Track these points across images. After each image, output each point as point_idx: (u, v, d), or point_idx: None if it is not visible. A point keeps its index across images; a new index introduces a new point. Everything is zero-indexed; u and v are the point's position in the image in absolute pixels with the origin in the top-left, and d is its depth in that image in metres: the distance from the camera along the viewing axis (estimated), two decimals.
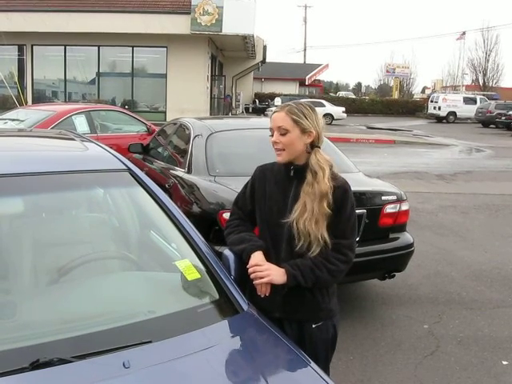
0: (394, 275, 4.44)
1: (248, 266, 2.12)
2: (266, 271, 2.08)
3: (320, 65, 48.56)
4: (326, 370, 2.20)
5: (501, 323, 4.29)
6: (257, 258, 2.13)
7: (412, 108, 42.47)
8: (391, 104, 42.65)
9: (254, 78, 38.88)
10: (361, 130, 25.55)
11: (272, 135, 2.16)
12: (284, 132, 2.11)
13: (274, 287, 2.11)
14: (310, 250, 2.09)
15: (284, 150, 2.12)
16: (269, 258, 2.16)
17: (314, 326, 2.21)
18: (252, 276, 2.10)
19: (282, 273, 2.09)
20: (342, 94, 53.69)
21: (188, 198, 4.32)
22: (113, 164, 2.40)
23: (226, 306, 1.99)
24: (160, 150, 5.93)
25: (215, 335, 1.82)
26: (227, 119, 9.83)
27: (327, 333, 2.24)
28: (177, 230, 2.23)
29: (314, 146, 2.15)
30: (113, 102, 21.44)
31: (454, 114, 35.32)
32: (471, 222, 7.75)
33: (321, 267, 2.09)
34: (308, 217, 2.06)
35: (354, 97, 49.14)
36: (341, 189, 2.11)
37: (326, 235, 2.08)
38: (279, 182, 2.21)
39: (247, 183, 2.33)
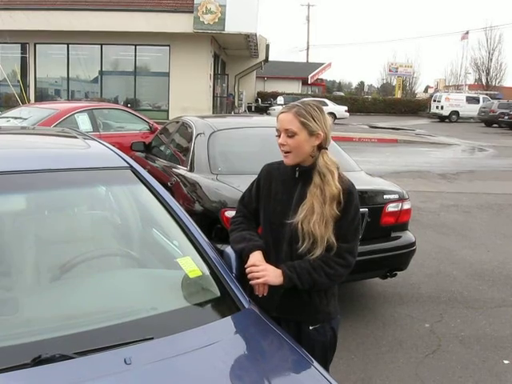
0: (396, 274, 4.44)
1: (245, 266, 2.12)
2: (262, 272, 2.07)
3: (323, 64, 48.51)
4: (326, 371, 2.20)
5: (502, 322, 4.29)
6: (255, 258, 2.13)
7: (414, 107, 42.40)
8: (394, 103, 42.58)
9: (257, 77, 38.85)
10: (363, 129, 25.52)
11: (278, 136, 2.12)
12: (292, 135, 2.07)
13: (271, 287, 2.10)
14: (311, 252, 2.07)
15: (291, 152, 2.09)
16: (269, 258, 2.15)
17: (311, 328, 2.19)
18: (249, 276, 2.10)
19: (279, 274, 2.08)
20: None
21: (190, 196, 4.32)
22: (115, 162, 2.40)
23: (227, 304, 1.99)
24: (162, 148, 5.94)
25: (217, 332, 1.82)
26: (229, 118, 9.84)
27: (324, 336, 2.21)
28: (178, 227, 2.23)
29: (321, 147, 2.12)
30: (115, 101, 21.46)
31: (456, 113, 35.27)
32: (473, 221, 7.74)
33: (319, 270, 2.07)
34: (317, 219, 2.03)
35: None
36: (345, 191, 2.07)
37: (333, 238, 2.05)
38: (285, 181, 2.19)
39: (254, 181, 2.32)
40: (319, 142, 2.10)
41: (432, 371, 3.49)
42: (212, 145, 4.54)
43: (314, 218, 2.04)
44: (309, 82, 46.30)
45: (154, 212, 2.41)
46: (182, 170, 4.67)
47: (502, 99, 35.56)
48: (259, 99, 37.07)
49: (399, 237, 4.35)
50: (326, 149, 2.13)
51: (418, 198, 8.67)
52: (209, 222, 3.83)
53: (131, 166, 2.40)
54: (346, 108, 30.98)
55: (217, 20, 20.11)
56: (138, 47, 22.16)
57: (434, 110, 36.51)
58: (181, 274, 2.03)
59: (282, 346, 1.89)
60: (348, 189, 2.09)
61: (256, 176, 2.32)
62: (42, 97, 21.90)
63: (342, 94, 51.50)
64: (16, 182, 2.08)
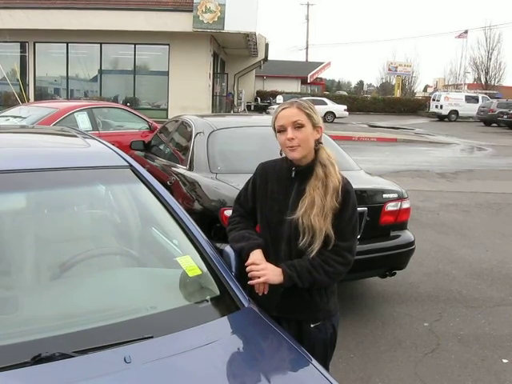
0: (395, 273, 4.45)
1: (246, 265, 2.12)
2: (262, 271, 2.07)
3: (322, 63, 48.53)
4: (326, 369, 2.20)
5: (501, 321, 4.29)
6: (255, 256, 2.12)
7: (414, 106, 42.42)
8: (393, 102, 42.59)
9: (256, 76, 38.85)
10: (362, 128, 25.51)
11: (278, 132, 2.11)
12: (299, 126, 2.06)
13: (271, 286, 2.10)
14: (311, 246, 2.07)
15: (300, 145, 2.07)
16: (268, 257, 2.15)
17: (312, 326, 2.20)
18: (249, 275, 2.09)
19: (279, 273, 2.08)
20: None
21: (189, 195, 4.32)
22: (114, 161, 2.40)
23: (226, 303, 1.99)
24: (162, 147, 5.93)
25: (216, 331, 1.83)
26: (229, 117, 9.83)
27: (325, 333, 2.22)
28: (178, 226, 2.24)
29: (318, 142, 2.14)
30: (115, 100, 21.47)
31: (455, 112, 35.27)
32: (472, 220, 7.74)
33: (318, 269, 2.08)
34: (317, 211, 2.04)
35: None
36: (342, 189, 2.08)
37: (330, 230, 2.06)
38: (280, 180, 2.19)
39: (249, 180, 2.32)
40: (319, 136, 2.13)
41: (431, 370, 3.50)
42: (211, 144, 4.54)
43: (314, 210, 2.04)
44: (308, 81, 46.31)
45: (154, 211, 2.41)
46: (181, 169, 4.67)
47: (501, 98, 35.57)
48: (258, 98, 37.09)
49: (398, 236, 4.35)
50: (322, 143, 2.16)
51: (417, 197, 8.67)
52: (208, 220, 3.84)
53: (131, 165, 2.40)
54: (345, 107, 30.97)
55: (216, 19, 20.10)
56: (137, 46, 22.16)
57: (433, 109, 36.52)
58: (180, 273, 2.04)
59: (282, 345, 1.89)
60: (344, 187, 2.10)
61: None
62: (41, 95, 21.89)
63: (345, 93, 51.47)
64: (16, 181, 2.08)
